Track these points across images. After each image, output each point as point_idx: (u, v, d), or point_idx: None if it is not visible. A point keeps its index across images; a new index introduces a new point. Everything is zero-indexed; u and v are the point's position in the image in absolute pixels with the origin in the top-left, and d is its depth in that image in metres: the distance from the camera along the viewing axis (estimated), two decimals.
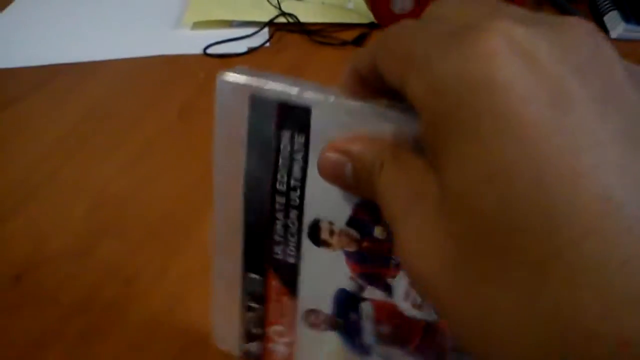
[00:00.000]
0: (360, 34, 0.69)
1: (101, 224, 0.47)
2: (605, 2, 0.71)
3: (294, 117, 0.23)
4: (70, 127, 0.59)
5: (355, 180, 0.22)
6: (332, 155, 0.22)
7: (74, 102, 0.62)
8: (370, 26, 0.71)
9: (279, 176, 0.25)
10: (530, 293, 0.15)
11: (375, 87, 0.21)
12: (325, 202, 0.24)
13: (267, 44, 0.70)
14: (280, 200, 0.25)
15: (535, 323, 0.15)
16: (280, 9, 0.74)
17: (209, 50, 0.69)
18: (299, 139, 0.24)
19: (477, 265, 0.16)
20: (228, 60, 0.68)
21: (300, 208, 0.25)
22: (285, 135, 0.24)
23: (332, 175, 0.22)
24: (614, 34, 0.67)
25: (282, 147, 0.24)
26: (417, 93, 0.17)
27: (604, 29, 0.68)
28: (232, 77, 0.24)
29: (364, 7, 0.71)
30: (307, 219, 0.25)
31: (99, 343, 0.39)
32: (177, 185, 0.51)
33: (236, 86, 0.24)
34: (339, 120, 0.22)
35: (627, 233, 0.14)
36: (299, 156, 0.24)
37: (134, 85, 0.66)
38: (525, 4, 0.71)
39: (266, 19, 0.73)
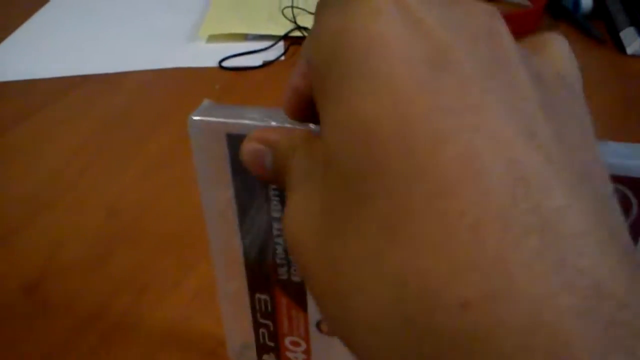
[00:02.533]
0: None
1: (116, 234, 0.48)
2: (622, 18, 0.71)
3: None
4: (87, 137, 0.59)
5: (274, 169, 0.21)
6: (253, 145, 0.22)
7: (91, 113, 0.63)
8: None
9: (272, 204, 0.25)
10: (376, 251, 0.14)
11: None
12: None
13: (282, 57, 0.70)
14: (278, 225, 0.25)
15: (379, 284, 0.14)
16: (295, 22, 0.74)
17: (225, 63, 0.70)
18: None
19: (334, 219, 0.16)
20: (243, 72, 0.68)
21: None
22: None
23: (254, 165, 0.22)
24: (630, 50, 0.67)
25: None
26: (309, 56, 0.17)
27: (620, 45, 0.68)
28: (205, 117, 0.24)
29: None
30: None
31: (112, 354, 0.39)
32: (192, 197, 0.51)
33: (210, 126, 0.24)
34: None
35: (482, 195, 0.13)
36: None
37: (151, 97, 0.66)
38: (540, 22, 0.71)
39: (281, 32, 0.73)
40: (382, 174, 0.14)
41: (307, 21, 0.75)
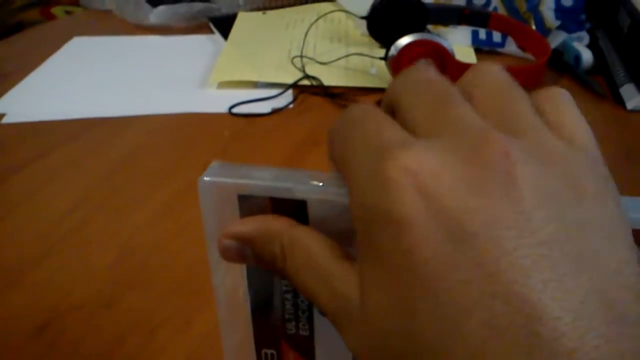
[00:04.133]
0: (382, 98, 0.71)
1: (126, 276, 0.48)
2: (622, 75, 0.73)
3: (289, 209, 0.23)
4: (98, 179, 0.60)
5: (258, 260, 0.23)
6: (228, 243, 0.23)
7: (104, 155, 0.64)
8: None
9: None
10: None
11: None
12: None
13: (291, 105, 0.72)
14: (286, 282, 0.26)
15: None
16: (304, 72, 0.76)
17: (234, 110, 0.71)
18: None
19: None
20: (253, 119, 0.70)
21: None
22: None
23: (235, 259, 0.24)
24: (630, 105, 0.68)
25: None
26: (351, 205, 0.19)
27: (620, 100, 0.70)
28: (216, 178, 0.24)
29: (386, 72, 0.73)
30: None
31: None
32: (202, 241, 0.52)
33: (221, 187, 0.24)
34: (338, 209, 0.22)
35: (507, 355, 0.15)
36: None
37: (161, 141, 0.68)
38: (544, 76, 0.73)
39: (290, 81, 0.75)
40: (418, 347, 0.17)
41: (315, 70, 0.77)
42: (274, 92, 0.74)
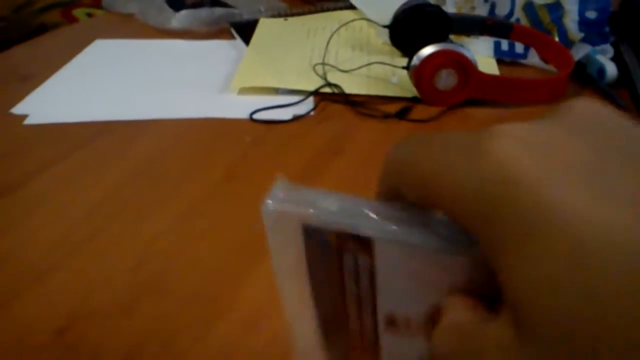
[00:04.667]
0: (403, 108, 0.71)
1: (144, 282, 0.48)
2: None
3: (355, 243, 0.23)
4: (117, 183, 0.60)
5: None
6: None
7: (122, 159, 0.64)
8: (413, 100, 0.73)
9: (346, 289, 0.25)
10: None
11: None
12: (400, 299, 0.24)
13: (312, 113, 0.72)
14: (353, 303, 0.25)
15: None
16: (326, 79, 0.76)
17: (255, 116, 0.71)
18: (363, 259, 0.23)
19: None
20: (273, 126, 0.70)
21: (374, 308, 0.25)
22: (348, 257, 0.23)
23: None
24: None
25: (345, 267, 0.24)
26: (459, 209, 0.18)
27: None
28: (279, 205, 0.24)
29: (407, 81, 0.73)
30: (382, 316, 0.25)
31: None
32: (221, 248, 0.52)
33: (285, 215, 0.24)
34: (406, 249, 0.22)
35: None
36: (365, 268, 0.23)
37: (181, 145, 0.68)
38: (567, 89, 0.73)
39: (312, 88, 0.75)
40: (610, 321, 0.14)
41: (337, 78, 0.77)
42: (295, 99, 0.74)
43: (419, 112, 0.71)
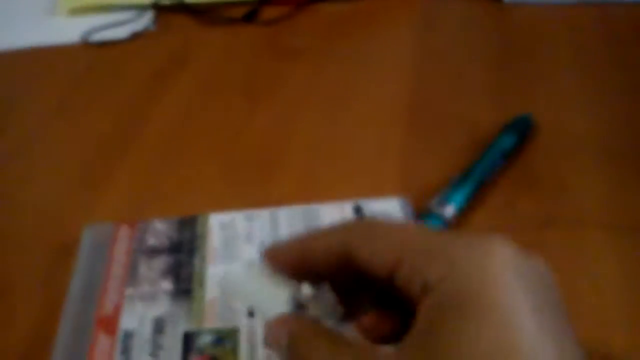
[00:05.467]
0: (250, 11, 0.66)
1: None
2: None
3: None
4: None
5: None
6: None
7: None
8: (260, 2, 0.68)
9: None
10: None
11: (319, 271, 0.25)
12: None
13: (152, 28, 0.66)
14: None
15: None
16: None
17: (89, 38, 0.65)
18: None
19: None
20: (111, 47, 0.63)
21: None
22: None
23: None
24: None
25: None
26: (416, 276, 0.22)
27: None
28: None
29: None
30: None
31: None
32: (59, 183, 0.47)
33: None
34: None
35: None
36: None
37: (5, 80, 0.61)
38: None
39: (149, 0, 0.69)
40: None
41: None
42: (131, 15, 0.68)
43: (268, 13, 0.67)
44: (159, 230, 0.40)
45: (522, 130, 0.47)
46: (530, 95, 0.53)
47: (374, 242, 0.24)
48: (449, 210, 0.40)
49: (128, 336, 0.34)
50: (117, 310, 0.35)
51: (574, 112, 0.51)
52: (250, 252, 0.38)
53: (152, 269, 0.37)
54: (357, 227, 0.25)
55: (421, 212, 0.41)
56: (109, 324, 0.34)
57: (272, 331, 0.25)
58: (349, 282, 0.26)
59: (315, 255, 0.25)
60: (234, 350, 0.33)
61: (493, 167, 0.44)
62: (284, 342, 0.24)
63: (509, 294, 0.20)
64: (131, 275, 0.37)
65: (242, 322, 0.34)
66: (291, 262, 0.26)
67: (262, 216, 0.40)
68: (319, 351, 0.23)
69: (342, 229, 0.25)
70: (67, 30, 0.66)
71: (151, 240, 0.39)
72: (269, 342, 0.25)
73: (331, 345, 0.23)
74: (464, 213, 0.41)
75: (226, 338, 0.33)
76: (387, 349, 0.24)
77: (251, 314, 0.34)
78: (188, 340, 0.33)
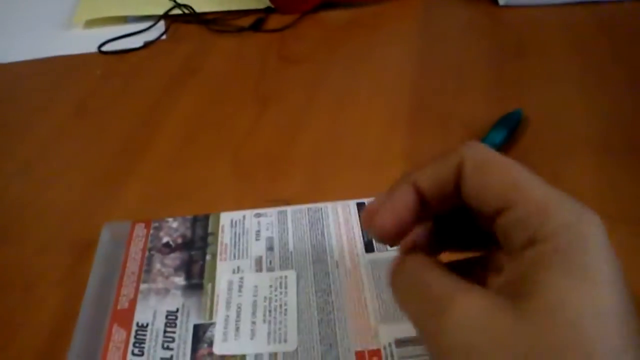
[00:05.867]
0: (257, 19, 0.69)
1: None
2: None
3: None
4: None
5: None
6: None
7: None
8: (266, 11, 0.71)
9: None
10: None
11: (430, 209, 0.25)
12: None
13: (164, 37, 0.69)
14: None
15: None
16: (174, 0, 0.73)
17: (104, 48, 0.67)
18: None
19: None
20: (125, 55, 0.66)
21: None
22: None
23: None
24: (501, 1, 0.69)
25: None
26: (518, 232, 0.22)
27: None
28: None
29: None
30: None
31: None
32: (79, 185, 0.49)
33: None
34: None
35: None
36: None
37: (27, 89, 0.63)
38: None
39: (161, 11, 0.71)
40: None
41: None
42: (144, 25, 0.70)
43: (274, 22, 0.69)
44: (173, 228, 0.42)
45: (512, 125, 0.49)
46: (525, 92, 0.55)
47: (488, 176, 0.23)
48: None
49: (142, 329, 0.36)
50: (132, 304, 0.37)
51: (567, 107, 0.53)
52: (259, 249, 0.40)
53: (166, 265, 0.39)
54: (472, 155, 0.24)
55: None
56: (124, 318, 0.36)
57: (392, 272, 0.25)
58: (446, 217, 0.26)
59: (424, 186, 0.24)
60: None
61: None
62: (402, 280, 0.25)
63: (610, 262, 0.21)
64: (146, 271, 0.39)
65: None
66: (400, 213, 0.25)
67: (270, 214, 0.42)
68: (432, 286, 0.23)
69: (457, 154, 0.24)
70: (83, 41, 0.69)
71: (165, 238, 0.41)
72: (390, 285, 0.25)
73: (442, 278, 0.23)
74: None
75: None
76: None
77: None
78: (198, 332, 0.35)
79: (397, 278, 0.25)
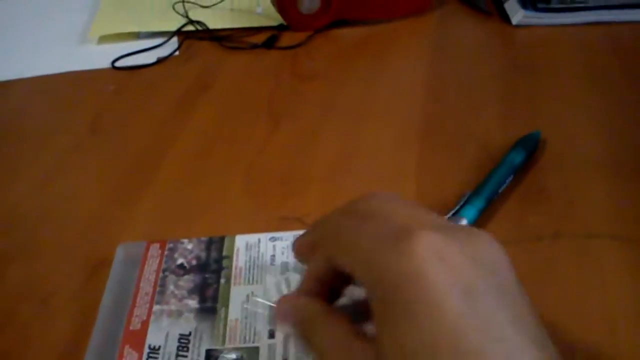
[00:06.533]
0: (270, 37, 0.69)
1: (13, 246, 0.46)
2: None
3: None
4: None
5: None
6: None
7: None
8: (279, 28, 0.71)
9: None
10: None
11: (330, 283, 0.28)
12: None
13: (177, 53, 0.69)
14: None
15: None
16: (187, 17, 0.73)
17: (118, 63, 0.68)
18: None
19: None
20: (138, 71, 0.67)
21: None
22: None
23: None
24: (514, 21, 0.69)
25: None
26: (365, 281, 0.24)
27: (506, 17, 0.71)
28: None
29: (272, 10, 0.71)
30: None
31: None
32: (94, 201, 0.50)
33: None
34: None
35: None
36: None
37: (42, 104, 0.64)
38: (429, 2, 0.73)
39: (174, 28, 0.72)
40: None
41: (199, 15, 0.74)
42: (158, 41, 0.71)
43: (287, 39, 0.70)
44: (188, 250, 0.42)
45: (531, 147, 0.49)
46: (539, 113, 0.55)
47: (344, 250, 0.26)
48: (463, 224, 0.42)
49: (154, 352, 0.36)
50: (145, 326, 0.37)
51: (582, 128, 0.52)
52: (274, 273, 0.40)
53: (180, 287, 0.39)
54: (329, 239, 0.28)
55: None
56: (137, 339, 0.36)
57: (282, 310, 0.29)
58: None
59: (312, 286, 0.28)
60: None
61: (503, 183, 0.46)
62: (292, 322, 0.28)
63: (432, 284, 0.21)
64: (159, 292, 0.39)
65: (263, 342, 0.36)
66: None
67: (286, 239, 0.42)
68: (324, 337, 0.26)
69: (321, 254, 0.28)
70: (97, 56, 0.70)
71: (180, 260, 0.41)
72: (277, 319, 0.29)
73: (337, 332, 0.26)
74: (477, 227, 0.43)
75: (247, 356, 0.35)
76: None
77: (272, 334, 0.36)
78: (210, 357, 0.35)
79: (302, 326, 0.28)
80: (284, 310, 0.29)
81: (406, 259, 0.22)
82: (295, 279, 0.39)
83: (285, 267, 0.40)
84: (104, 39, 0.73)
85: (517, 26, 0.69)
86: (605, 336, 0.35)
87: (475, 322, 0.21)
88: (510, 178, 0.46)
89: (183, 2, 0.75)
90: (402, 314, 0.21)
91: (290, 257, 0.41)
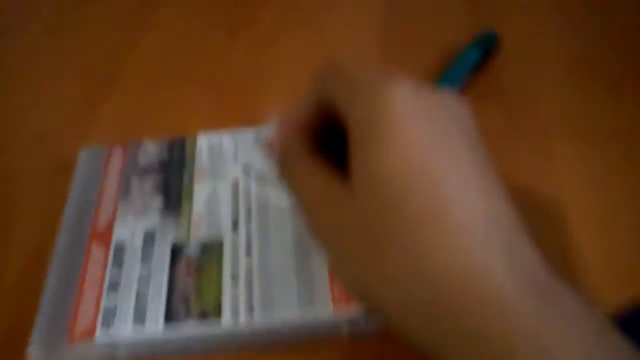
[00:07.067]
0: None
1: None
2: None
3: None
4: None
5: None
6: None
7: None
8: None
9: None
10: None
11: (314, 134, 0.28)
12: None
13: None
14: None
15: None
16: None
17: None
18: None
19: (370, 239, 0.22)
20: None
21: None
22: None
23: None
24: None
25: None
26: (347, 111, 0.24)
27: None
28: None
29: None
30: None
31: None
32: (55, 105, 0.49)
33: None
34: None
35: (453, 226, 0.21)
36: None
37: None
38: None
39: None
40: (399, 217, 0.21)
41: None
42: None
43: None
44: (150, 152, 0.42)
45: (487, 45, 0.49)
46: (499, 13, 0.54)
47: (349, 93, 0.25)
48: None
49: (120, 247, 0.37)
50: (111, 224, 0.38)
51: (541, 27, 0.52)
52: (236, 171, 0.40)
53: (144, 187, 0.40)
54: (335, 83, 0.26)
55: None
56: (103, 237, 0.37)
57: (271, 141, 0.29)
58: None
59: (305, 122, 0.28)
60: (218, 260, 0.36)
61: (460, 80, 0.46)
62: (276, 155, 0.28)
63: (408, 119, 0.22)
64: (124, 193, 0.40)
65: (227, 235, 0.37)
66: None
67: (247, 136, 0.43)
68: (297, 171, 0.26)
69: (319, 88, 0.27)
70: None
71: (143, 161, 0.42)
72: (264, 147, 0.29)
73: (308, 167, 0.26)
74: None
75: (211, 248, 0.36)
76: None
77: (235, 226, 0.37)
78: (176, 250, 0.36)
79: (285, 169, 0.28)
80: (274, 141, 0.29)
81: (385, 92, 0.23)
82: (256, 174, 0.40)
83: (248, 165, 0.41)
84: None
85: None
86: (559, 234, 0.37)
87: (442, 154, 0.22)
88: (467, 76, 0.46)
89: None
90: (374, 138, 0.22)
91: (251, 153, 0.41)
